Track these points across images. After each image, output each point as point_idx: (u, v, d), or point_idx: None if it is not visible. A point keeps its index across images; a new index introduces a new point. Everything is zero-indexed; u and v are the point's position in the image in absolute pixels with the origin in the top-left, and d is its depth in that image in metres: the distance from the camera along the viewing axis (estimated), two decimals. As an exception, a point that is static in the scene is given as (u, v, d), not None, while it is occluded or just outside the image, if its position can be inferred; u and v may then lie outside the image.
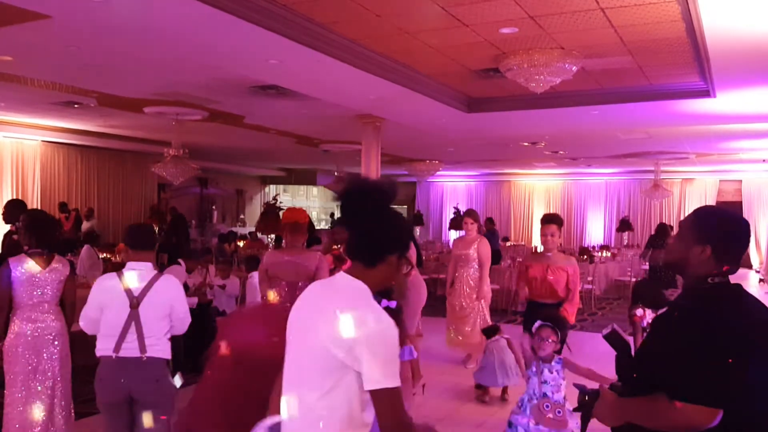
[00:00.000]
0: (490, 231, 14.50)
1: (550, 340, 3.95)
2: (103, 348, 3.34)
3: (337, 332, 1.75)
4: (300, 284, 4.33)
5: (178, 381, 3.49)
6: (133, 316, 3.31)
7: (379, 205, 1.91)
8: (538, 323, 4.04)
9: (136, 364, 3.30)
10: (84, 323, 3.45)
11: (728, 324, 1.83)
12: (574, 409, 2.13)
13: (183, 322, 3.52)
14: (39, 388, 3.97)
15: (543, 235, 5.28)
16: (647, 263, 14.80)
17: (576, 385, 2.15)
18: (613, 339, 2.10)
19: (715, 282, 1.93)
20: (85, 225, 13.47)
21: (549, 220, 5.34)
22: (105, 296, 3.37)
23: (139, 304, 3.33)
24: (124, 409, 3.36)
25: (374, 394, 1.74)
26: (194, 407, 3.01)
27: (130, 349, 3.30)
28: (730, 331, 1.81)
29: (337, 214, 4.23)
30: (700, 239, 1.96)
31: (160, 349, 3.38)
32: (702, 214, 2.07)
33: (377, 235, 1.89)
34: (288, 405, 1.87)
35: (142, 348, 3.30)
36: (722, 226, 2.00)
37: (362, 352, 1.73)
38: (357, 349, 1.73)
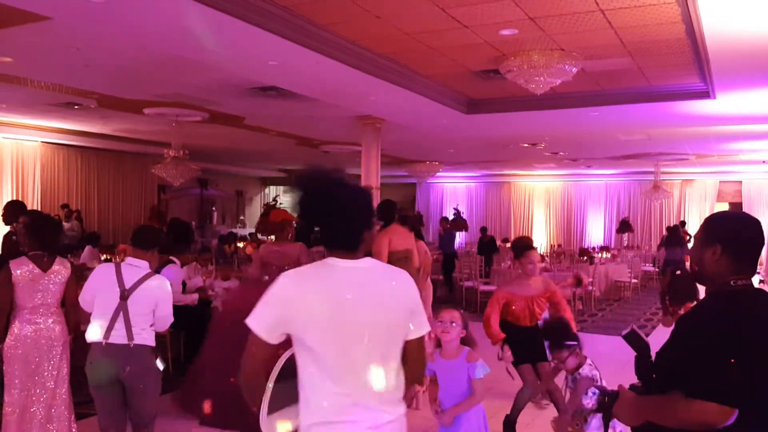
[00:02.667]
0: (447, 232, 14.46)
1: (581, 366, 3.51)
2: (94, 333, 3.60)
3: (406, 301, 2.05)
4: (286, 268, 5.14)
5: (160, 365, 3.79)
6: (122, 307, 3.58)
7: (340, 198, 1.98)
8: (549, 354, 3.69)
9: (124, 350, 3.57)
10: (82, 302, 3.78)
11: (747, 324, 1.84)
12: (595, 410, 2.13)
13: (164, 321, 3.77)
14: (38, 390, 3.96)
15: (530, 263, 4.73)
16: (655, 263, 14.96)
17: (596, 386, 2.16)
18: (632, 339, 2.12)
19: (737, 285, 1.94)
20: (66, 226, 13.34)
21: (529, 245, 4.90)
22: (100, 283, 3.66)
23: (128, 297, 3.59)
24: (113, 391, 3.64)
25: (418, 340, 2.08)
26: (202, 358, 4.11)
27: (118, 336, 3.57)
28: (749, 332, 1.82)
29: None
30: (710, 240, 2.00)
31: (146, 338, 3.65)
32: (710, 218, 2.13)
33: (355, 225, 2.00)
34: (374, 378, 1.94)
35: (130, 336, 3.58)
36: (729, 224, 2.06)
37: (417, 308, 2.08)
38: (416, 309, 2.07)
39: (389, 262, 5.69)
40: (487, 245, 14.55)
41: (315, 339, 1.89)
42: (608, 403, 2.07)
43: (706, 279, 2.03)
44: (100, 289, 3.64)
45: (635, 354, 2.10)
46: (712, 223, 2.08)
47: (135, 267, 3.67)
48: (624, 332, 2.15)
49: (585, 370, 3.62)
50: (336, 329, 1.90)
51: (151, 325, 3.72)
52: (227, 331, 5.05)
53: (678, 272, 5.23)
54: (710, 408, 1.76)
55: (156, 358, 3.76)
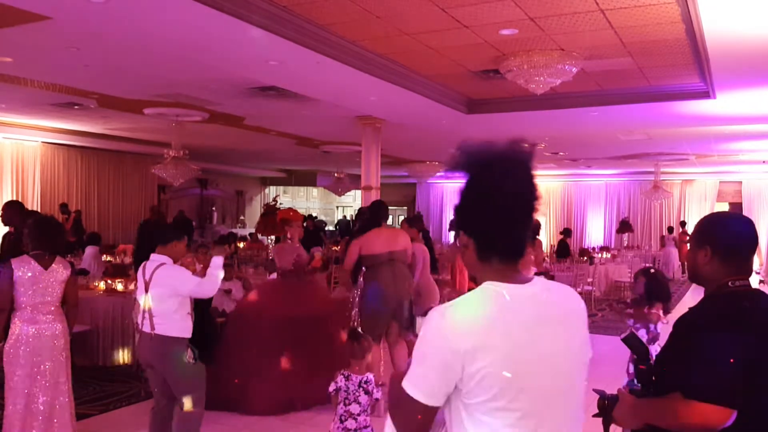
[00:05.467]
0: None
1: None
2: (138, 322, 4.09)
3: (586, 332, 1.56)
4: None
5: (187, 357, 3.96)
6: (146, 299, 3.96)
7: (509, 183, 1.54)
8: None
9: (148, 339, 3.97)
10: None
11: (745, 325, 1.84)
12: (594, 415, 2.11)
13: (197, 293, 4.04)
14: (41, 388, 3.97)
15: None
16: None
17: (595, 390, 2.14)
18: (631, 342, 2.12)
19: (735, 286, 1.95)
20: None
21: None
22: (138, 282, 4.14)
23: (149, 289, 3.95)
24: (153, 372, 4.09)
25: None
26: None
27: (146, 325, 3.96)
28: (747, 332, 1.82)
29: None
30: (701, 242, 2.02)
31: (168, 327, 3.93)
32: (702, 220, 2.15)
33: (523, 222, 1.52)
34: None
35: (152, 326, 3.93)
36: (719, 226, 2.07)
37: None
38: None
39: (369, 266, 5.64)
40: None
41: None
42: (608, 407, 2.05)
43: (702, 280, 2.05)
44: (138, 288, 4.10)
45: (634, 357, 2.10)
46: (703, 225, 2.10)
47: (153, 261, 4.03)
48: (623, 336, 2.15)
49: None
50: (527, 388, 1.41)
51: (176, 311, 3.93)
52: (241, 330, 5.46)
53: (653, 270, 4.81)
54: (709, 409, 1.76)
55: (185, 350, 3.95)
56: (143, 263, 4.09)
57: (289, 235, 5.90)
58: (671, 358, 1.96)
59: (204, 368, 4.11)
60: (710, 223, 2.10)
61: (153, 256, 4.06)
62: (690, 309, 2.00)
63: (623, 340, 2.14)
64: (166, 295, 3.92)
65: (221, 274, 4.16)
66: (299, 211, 7.96)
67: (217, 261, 4.18)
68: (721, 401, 1.76)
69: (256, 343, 5.36)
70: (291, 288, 5.73)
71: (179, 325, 3.97)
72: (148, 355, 4.02)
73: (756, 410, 1.80)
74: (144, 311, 3.96)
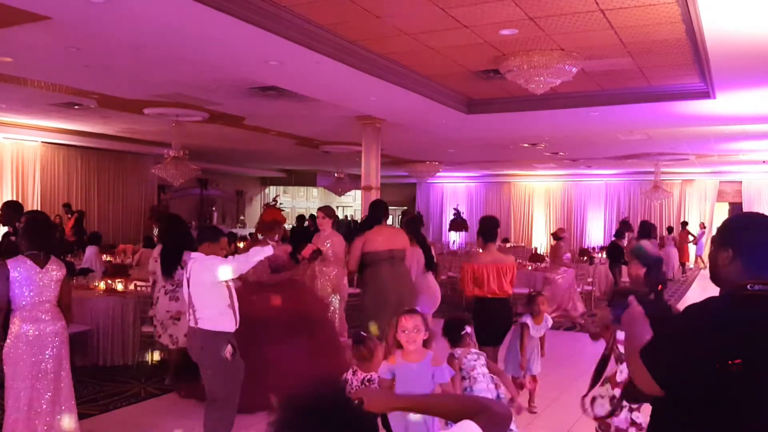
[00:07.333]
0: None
1: None
2: (188, 317, 4.25)
3: None
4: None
5: (224, 351, 4.04)
6: (189, 294, 4.15)
7: None
8: None
9: (193, 332, 4.15)
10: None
11: (742, 326, 1.81)
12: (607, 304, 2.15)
13: (227, 270, 4.05)
14: (42, 388, 3.97)
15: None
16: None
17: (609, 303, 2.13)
18: (641, 255, 2.12)
19: (754, 290, 1.88)
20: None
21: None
22: (184, 279, 4.28)
23: (189, 285, 4.14)
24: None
25: None
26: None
27: (192, 319, 4.13)
28: (740, 334, 1.79)
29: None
30: (723, 244, 1.96)
31: (208, 322, 4.07)
32: (726, 220, 2.09)
33: None
34: None
35: (194, 320, 4.10)
36: (742, 227, 2.00)
37: None
38: None
39: (370, 263, 5.69)
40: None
41: None
42: (615, 305, 2.04)
43: (721, 282, 1.99)
44: (185, 284, 4.25)
45: (645, 269, 2.10)
46: (727, 226, 2.03)
47: (191, 259, 4.23)
48: (632, 248, 2.16)
49: None
50: None
51: (216, 303, 4.06)
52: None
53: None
54: (644, 373, 1.81)
55: (224, 344, 4.03)
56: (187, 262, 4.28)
57: (277, 237, 6.09)
58: (663, 330, 1.96)
59: (242, 367, 4.19)
60: (735, 225, 2.03)
61: (192, 254, 4.25)
62: (703, 300, 1.97)
63: (632, 251, 2.16)
64: (201, 288, 4.08)
65: (258, 257, 4.18)
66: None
67: (265, 249, 4.25)
68: (655, 375, 1.80)
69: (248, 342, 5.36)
70: (270, 286, 5.73)
71: (219, 319, 4.10)
72: (191, 348, 4.19)
73: (748, 418, 1.77)
74: (189, 305, 4.15)
